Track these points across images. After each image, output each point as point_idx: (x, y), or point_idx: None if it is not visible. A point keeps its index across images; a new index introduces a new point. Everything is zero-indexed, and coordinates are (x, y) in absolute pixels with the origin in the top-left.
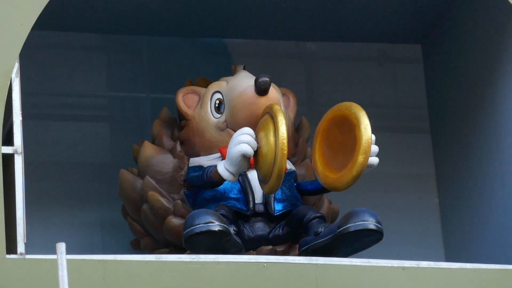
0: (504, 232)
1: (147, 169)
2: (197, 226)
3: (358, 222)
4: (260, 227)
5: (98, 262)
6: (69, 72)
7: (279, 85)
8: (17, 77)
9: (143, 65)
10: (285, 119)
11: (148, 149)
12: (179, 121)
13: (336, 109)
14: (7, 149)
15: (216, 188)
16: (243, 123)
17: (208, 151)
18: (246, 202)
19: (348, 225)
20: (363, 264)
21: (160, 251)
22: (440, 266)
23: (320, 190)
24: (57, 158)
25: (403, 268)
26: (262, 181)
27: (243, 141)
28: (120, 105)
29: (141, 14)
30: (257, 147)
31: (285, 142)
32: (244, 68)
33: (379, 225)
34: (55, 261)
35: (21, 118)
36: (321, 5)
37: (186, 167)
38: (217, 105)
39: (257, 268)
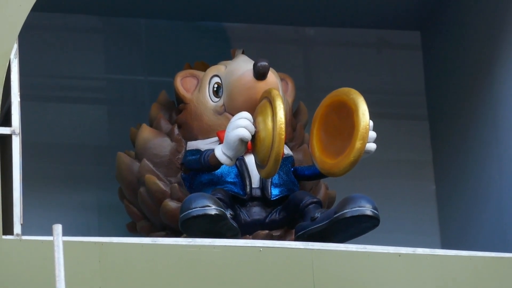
0: (500, 219)
1: (145, 152)
2: (193, 209)
3: (355, 208)
4: (256, 212)
5: (94, 244)
6: (68, 54)
7: (278, 70)
8: (15, 58)
9: (141, 48)
10: (283, 104)
11: (145, 132)
12: (177, 105)
13: (335, 95)
14: (4, 130)
15: (213, 172)
16: (241, 107)
17: (205, 135)
18: (243, 187)
19: (345, 211)
20: (359, 250)
21: (156, 234)
22: (436, 253)
23: (317, 175)
24: (55, 140)
25: (399, 254)
26: (259, 165)
27: (241, 125)
28: (118, 87)
29: None
30: (255, 131)
31: (283, 127)
32: (243, 53)
33: (375, 211)
34: (51, 243)
35: (19, 99)
36: None
37: (183, 151)
38: (215, 89)
39: (253, 253)
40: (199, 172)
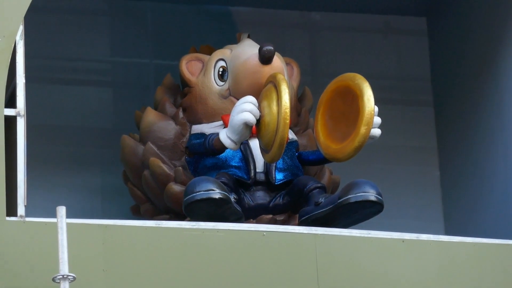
0: (504, 206)
1: (149, 135)
2: (197, 193)
3: (359, 193)
4: (260, 196)
5: (98, 227)
6: (73, 36)
7: (283, 54)
8: (21, 40)
9: (147, 31)
10: (288, 88)
11: (150, 115)
12: (182, 88)
13: (340, 80)
14: (9, 111)
15: (217, 156)
16: (246, 92)
17: (210, 119)
18: (247, 171)
19: (349, 196)
20: (362, 235)
21: (160, 218)
22: (440, 240)
23: (322, 160)
24: (60, 122)
25: (403, 240)
26: (264, 150)
27: (245, 109)
28: (124, 70)
29: None
30: (260, 116)
31: (288, 112)
32: (249, 37)
33: (379, 197)
34: (55, 225)
35: (24, 81)
36: None
37: (188, 134)
38: (220, 72)
39: (257, 237)
40: (203, 155)
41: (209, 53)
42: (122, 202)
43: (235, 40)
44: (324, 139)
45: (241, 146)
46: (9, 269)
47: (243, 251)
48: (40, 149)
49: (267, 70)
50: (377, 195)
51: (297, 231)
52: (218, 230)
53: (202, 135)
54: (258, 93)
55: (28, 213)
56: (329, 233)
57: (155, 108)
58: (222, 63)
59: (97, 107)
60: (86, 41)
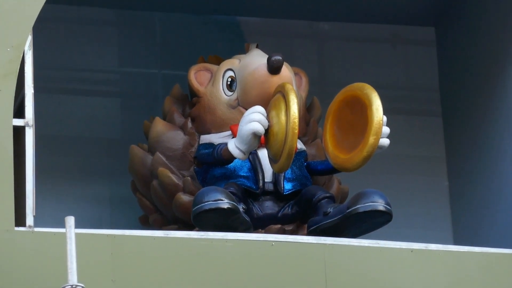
0: None
1: (158, 145)
2: (206, 203)
3: (368, 203)
4: (269, 206)
5: (106, 237)
6: (82, 46)
7: (292, 64)
8: (29, 50)
9: (155, 41)
10: (297, 98)
11: (159, 125)
12: (190, 98)
13: (348, 90)
14: (18, 122)
15: (226, 166)
16: (254, 102)
17: (219, 129)
18: (256, 181)
19: (357, 206)
20: (371, 245)
21: (168, 228)
22: (449, 249)
23: (330, 170)
24: (68, 132)
25: (412, 250)
26: (272, 160)
27: (254, 119)
28: (132, 81)
29: None
30: (268, 125)
31: (296, 122)
32: (257, 47)
33: (388, 207)
34: (63, 235)
35: (32, 91)
36: None
37: (196, 144)
38: (229, 82)
39: (265, 247)
40: (212, 165)
41: (218, 63)
42: (130, 212)
43: (244, 50)
44: (332, 149)
45: (250, 156)
46: (18, 279)
47: (251, 261)
48: (48, 159)
49: (276, 80)
50: (385, 205)
51: (306, 241)
52: (226, 240)
53: (210, 145)
54: (266, 103)
55: (37, 223)
56: (338, 243)
57: (164, 118)
58: (230, 73)
59: (105, 117)
60: (94, 52)
